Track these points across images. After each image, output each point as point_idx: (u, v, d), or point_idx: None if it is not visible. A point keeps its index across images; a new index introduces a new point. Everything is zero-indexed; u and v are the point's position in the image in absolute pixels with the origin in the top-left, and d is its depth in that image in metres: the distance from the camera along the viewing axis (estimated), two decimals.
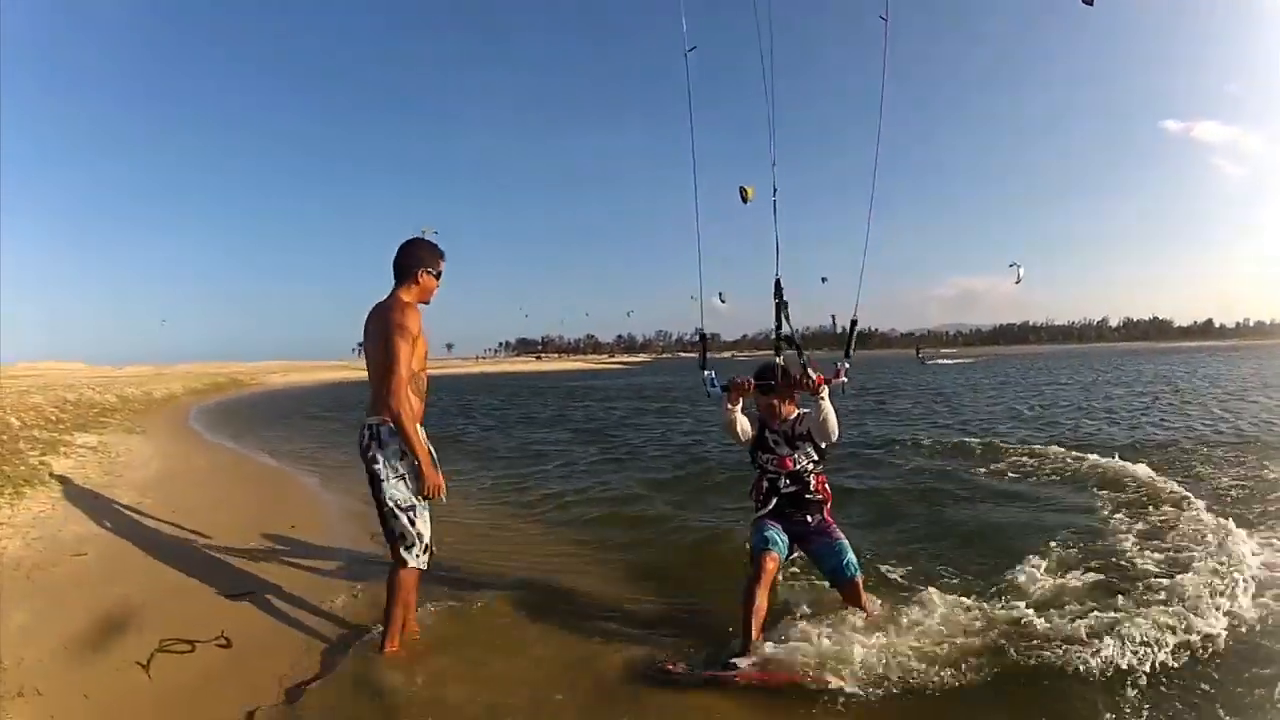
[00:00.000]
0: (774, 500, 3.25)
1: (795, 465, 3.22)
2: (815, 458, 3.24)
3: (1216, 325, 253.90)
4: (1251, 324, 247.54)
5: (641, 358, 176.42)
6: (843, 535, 3.28)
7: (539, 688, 2.80)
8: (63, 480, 6.17)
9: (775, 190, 3.30)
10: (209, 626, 3.27)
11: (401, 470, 2.96)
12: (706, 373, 3.27)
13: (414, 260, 3.06)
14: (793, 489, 3.24)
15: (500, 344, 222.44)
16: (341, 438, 11.42)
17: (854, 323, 3.20)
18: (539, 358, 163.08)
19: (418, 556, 3.01)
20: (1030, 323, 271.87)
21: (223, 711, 2.63)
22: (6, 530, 4.42)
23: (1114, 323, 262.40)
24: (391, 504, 2.97)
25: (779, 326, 3.19)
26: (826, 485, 3.32)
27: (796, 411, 3.26)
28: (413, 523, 2.98)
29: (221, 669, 2.96)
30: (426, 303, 3.12)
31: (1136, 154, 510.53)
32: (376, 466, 2.94)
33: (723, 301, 40.25)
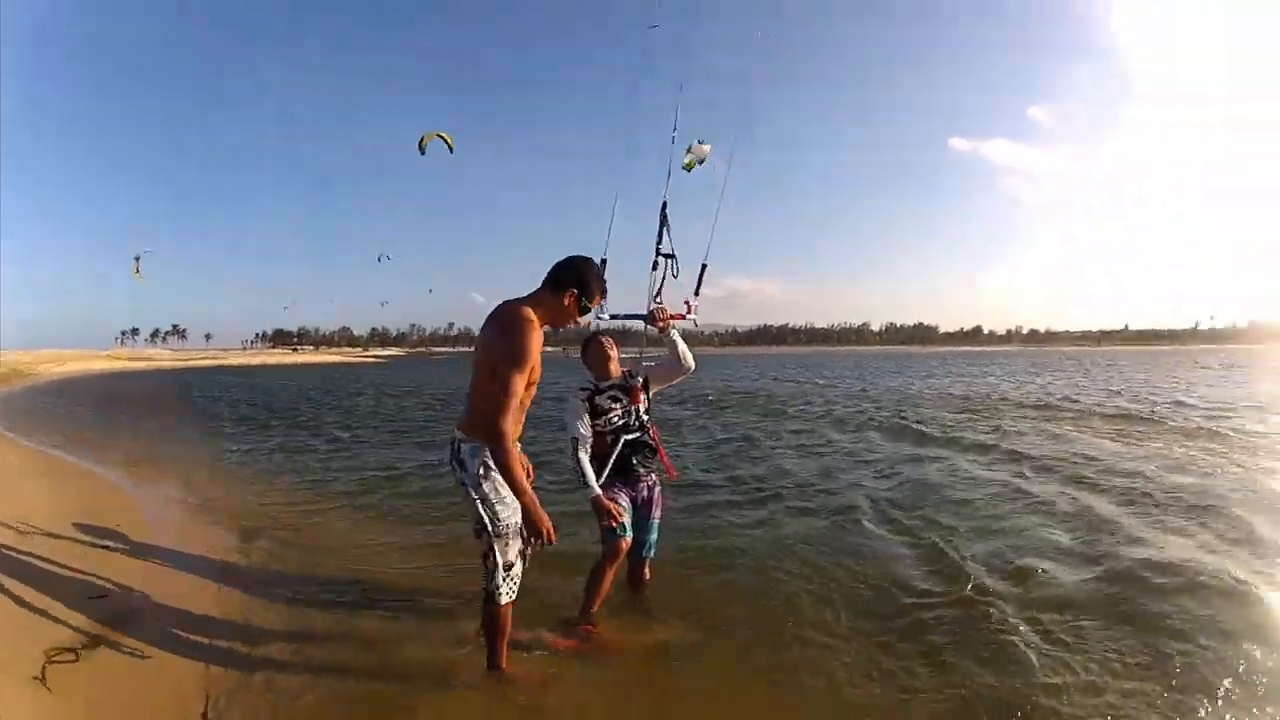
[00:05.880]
0: (619, 448, 3.25)
1: (645, 402, 3.32)
2: (647, 406, 3.37)
3: (985, 331, 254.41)
4: (1025, 330, 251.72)
5: (394, 351, 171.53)
6: (660, 515, 3.45)
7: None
8: None
9: (675, 127, 3.60)
10: (78, 632, 3.04)
11: (489, 495, 2.57)
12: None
13: (571, 278, 2.60)
14: (637, 435, 3.31)
15: (257, 335, 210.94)
16: (140, 433, 10.99)
17: (704, 266, 3.52)
18: (295, 349, 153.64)
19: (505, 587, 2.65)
20: (790, 325, 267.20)
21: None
22: None
23: (875, 327, 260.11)
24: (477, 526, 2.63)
25: (660, 241, 3.42)
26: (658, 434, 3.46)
27: (621, 370, 3.37)
28: (498, 551, 2.62)
29: (116, 676, 2.79)
30: (555, 326, 2.67)
31: (923, 170, 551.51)
32: (465, 488, 2.61)
33: (379, 260, 37.45)
